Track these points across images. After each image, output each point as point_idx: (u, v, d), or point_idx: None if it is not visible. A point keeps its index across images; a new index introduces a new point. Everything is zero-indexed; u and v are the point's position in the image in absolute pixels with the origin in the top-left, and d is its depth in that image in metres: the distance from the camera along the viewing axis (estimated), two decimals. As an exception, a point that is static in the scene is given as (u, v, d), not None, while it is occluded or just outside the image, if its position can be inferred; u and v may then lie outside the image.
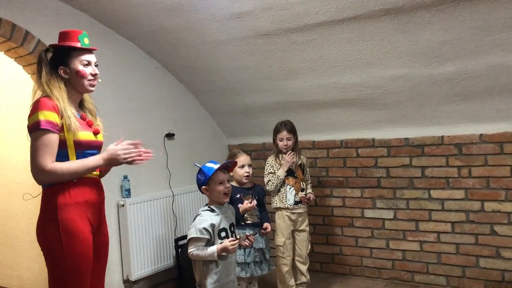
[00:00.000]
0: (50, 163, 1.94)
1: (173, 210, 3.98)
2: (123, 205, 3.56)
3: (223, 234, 2.52)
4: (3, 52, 3.21)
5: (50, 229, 1.97)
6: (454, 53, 3.08)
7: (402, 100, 3.59)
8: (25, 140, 3.85)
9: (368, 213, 4.01)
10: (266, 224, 3.15)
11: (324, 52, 3.39)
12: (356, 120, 3.95)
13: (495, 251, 3.46)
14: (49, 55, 2.14)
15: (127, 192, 3.62)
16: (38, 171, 1.95)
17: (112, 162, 2.06)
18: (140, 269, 3.62)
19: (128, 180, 3.64)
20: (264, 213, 3.27)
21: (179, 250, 3.89)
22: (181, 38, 3.61)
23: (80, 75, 2.11)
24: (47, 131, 1.95)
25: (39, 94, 2.07)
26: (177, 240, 3.92)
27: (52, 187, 1.99)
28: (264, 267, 3.17)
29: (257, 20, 3.21)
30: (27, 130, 2.02)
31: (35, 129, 1.95)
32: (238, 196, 3.06)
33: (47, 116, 1.95)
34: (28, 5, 3.11)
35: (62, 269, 1.97)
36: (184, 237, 4.00)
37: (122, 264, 3.60)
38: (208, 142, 4.59)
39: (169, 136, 4.09)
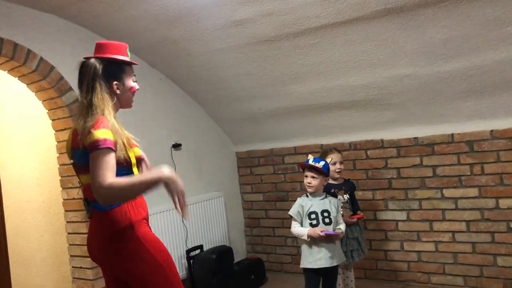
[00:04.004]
0: (110, 178, 1.77)
1: (183, 221, 3.96)
2: (133, 219, 3.53)
3: (313, 216, 2.91)
4: (6, 71, 3.22)
5: (137, 251, 1.90)
6: (459, 50, 3.03)
7: (409, 99, 3.54)
8: (35, 158, 3.89)
9: (381, 215, 3.95)
10: (359, 213, 3.42)
11: (327, 55, 3.36)
12: (364, 122, 3.90)
13: (513, 249, 3.40)
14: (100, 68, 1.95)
15: (136, 205, 3.59)
16: (98, 188, 1.75)
17: (167, 185, 1.83)
18: (153, 282, 3.59)
19: (137, 193, 3.61)
20: (356, 205, 3.48)
21: (191, 261, 3.86)
22: (183, 49, 3.60)
23: (132, 91, 2.05)
24: (107, 149, 1.81)
25: (96, 112, 1.90)
26: (188, 252, 3.89)
27: (119, 207, 1.91)
28: (360, 254, 3.33)
29: (259, 27, 3.19)
30: (87, 148, 1.85)
31: (95, 148, 1.80)
32: (332, 191, 3.28)
33: (105, 134, 1.83)
34: (29, 24, 3.11)
35: (170, 281, 1.95)
36: (196, 248, 3.98)
37: (134, 278, 3.57)
38: (216, 151, 4.56)
39: (176, 146, 4.07)
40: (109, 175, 1.77)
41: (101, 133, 1.82)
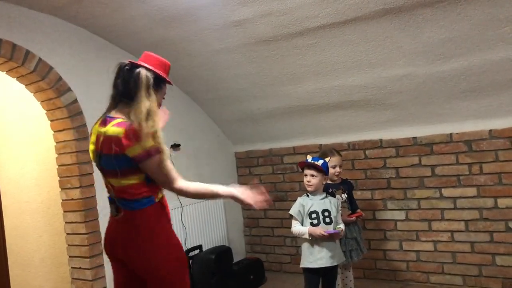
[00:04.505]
0: (179, 182, 2.03)
1: (182, 221, 3.96)
2: (132, 219, 3.54)
3: (313, 215, 2.91)
4: (5, 72, 3.22)
5: (166, 249, 2.03)
6: (458, 50, 3.03)
7: (408, 99, 3.54)
8: (34, 159, 3.88)
9: (380, 215, 3.96)
10: (358, 211, 3.43)
11: (326, 55, 3.36)
12: (362, 122, 3.90)
13: None
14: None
15: (135, 206, 3.59)
16: (171, 190, 2.04)
17: (239, 200, 2.13)
18: (152, 282, 3.59)
19: (136, 194, 3.61)
20: (354, 204, 3.49)
21: (190, 261, 3.86)
22: (182, 49, 3.59)
23: (159, 108, 2.12)
24: (161, 153, 1.97)
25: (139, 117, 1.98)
26: (187, 252, 3.89)
27: (152, 207, 2.04)
28: (358, 254, 3.35)
29: (257, 27, 3.19)
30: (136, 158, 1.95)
31: (147, 157, 1.94)
32: (330, 190, 3.28)
33: (151, 141, 1.97)
34: (28, 25, 3.11)
35: (185, 281, 2.10)
36: (195, 248, 3.98)
37: (133, 278, 3.57)
38: (215, 151, 4.56)
39: (175, 147, 4.07)
40: (175, 177, 2.01)
41: (149, 141, 1.93)
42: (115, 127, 1.97)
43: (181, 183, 2.02)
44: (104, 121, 2.05)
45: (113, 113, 2.05)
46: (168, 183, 2.00)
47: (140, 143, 1.92)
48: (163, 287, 2.03)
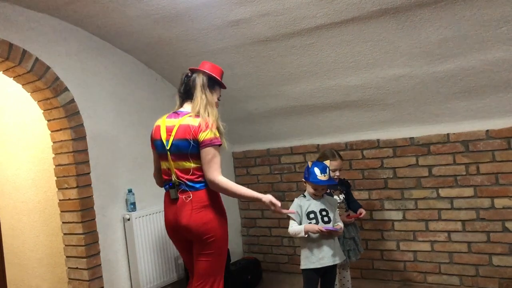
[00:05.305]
0: (219, 177, 2.39)
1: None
2: (128, 219, 3.54)
3: (311, 215, 2.93)
4: (1, 72, 3.21)
5: (224, 222, 2.49)
6: (455, 50, 3.04)
7: (405, 100, 3.55)
8: (31, 159, 3.87)
9: (377, 215, 3.96)
10: (360, 210, 3.40)
11: (323, 55, 3.36)
12: (360, 122, 3.91)
13: (508, 248, 3.40)
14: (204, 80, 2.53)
15: (132, 206, 3.59)
16: (211, 179, 2.38)
17: (262, 202, 2.50)
18: (149, 282, 3.60)
19: (133, 194, 3.61)
20: (354, 203, 3.50)
21: (188, 261, 3.86)
22: (179, 48, 3.59)
23: (216, 106, 2.56)
24: (219, 146, 2.43)
25: (207, 114, 2.45)
26: (185, 252, 3.89)
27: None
28: (356, 254, 3.37)
29: (255, 27, 3.19)
30: (201, 142, 2.38)
31: (211, 144, 2.38)
32: (328, 191, 3.28)
33: (217, 133, 2.44)
34: (25, 24, 3.10)
35: (225, 252, 2.51)
36: (192, 248, 3.97)
37: (130, 278, 3.57)
38: (212, 151, 4.55)
39: (172, 147, 4.06)
40: (219, 172, 2.39)
41: (215, 133, 2.41)
42: (191, 118, 2.43)
43: (222, 177, 2.39)
44: (175, 115, 2.51)
45: (182, 109, 2.53)
46: (212, 172, 2.36)
47: (211, 130, 2.38)
48: (224, 246, 2.48)
